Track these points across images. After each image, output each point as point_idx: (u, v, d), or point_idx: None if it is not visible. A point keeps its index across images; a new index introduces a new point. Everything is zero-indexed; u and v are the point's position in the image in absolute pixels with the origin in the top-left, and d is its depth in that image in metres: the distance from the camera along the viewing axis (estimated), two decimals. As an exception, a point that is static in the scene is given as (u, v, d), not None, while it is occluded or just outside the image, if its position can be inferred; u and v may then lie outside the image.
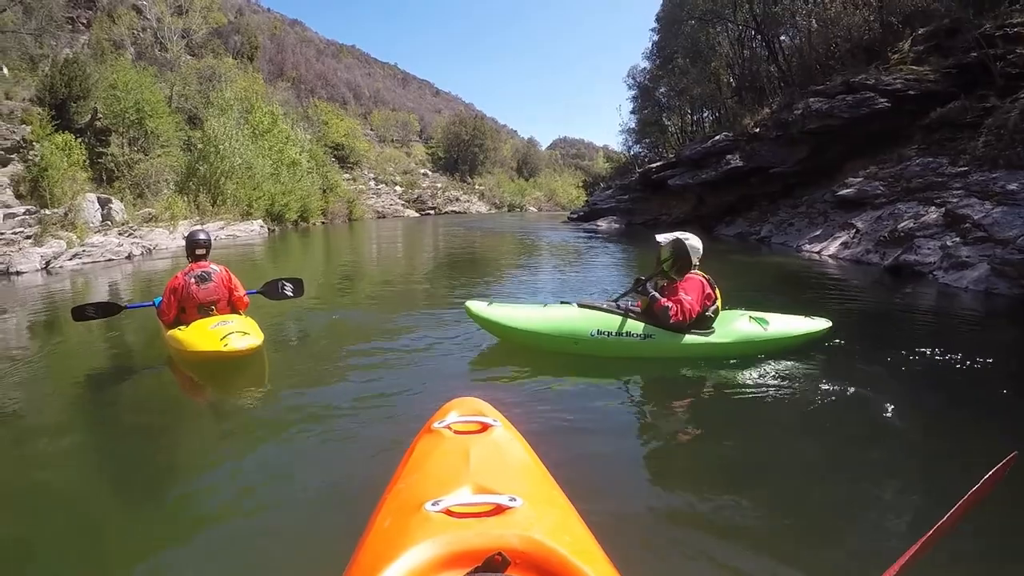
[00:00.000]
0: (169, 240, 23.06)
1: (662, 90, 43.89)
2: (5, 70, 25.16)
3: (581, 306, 6.29)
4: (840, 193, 17.38)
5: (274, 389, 5.85)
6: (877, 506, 3.56)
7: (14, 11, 27.74)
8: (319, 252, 25.05)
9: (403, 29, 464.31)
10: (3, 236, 17.19)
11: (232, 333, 5.97)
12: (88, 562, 3.21)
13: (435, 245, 27.29)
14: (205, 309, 6.49)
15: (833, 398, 5.07)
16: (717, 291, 6.00)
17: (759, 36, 30.27)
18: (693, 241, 6.06)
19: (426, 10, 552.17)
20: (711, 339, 5.92)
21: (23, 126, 22.39)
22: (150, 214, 25.43)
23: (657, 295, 5.89)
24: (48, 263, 17.12)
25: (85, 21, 37.01)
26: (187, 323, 6.38)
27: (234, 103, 36.64)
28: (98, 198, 23.10)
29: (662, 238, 6.20)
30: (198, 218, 27.75)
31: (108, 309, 7.19)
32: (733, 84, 33.84)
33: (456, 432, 2.58)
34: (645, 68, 46.95)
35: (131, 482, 4.09)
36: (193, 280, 6.48)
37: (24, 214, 18.79)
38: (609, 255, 19.66)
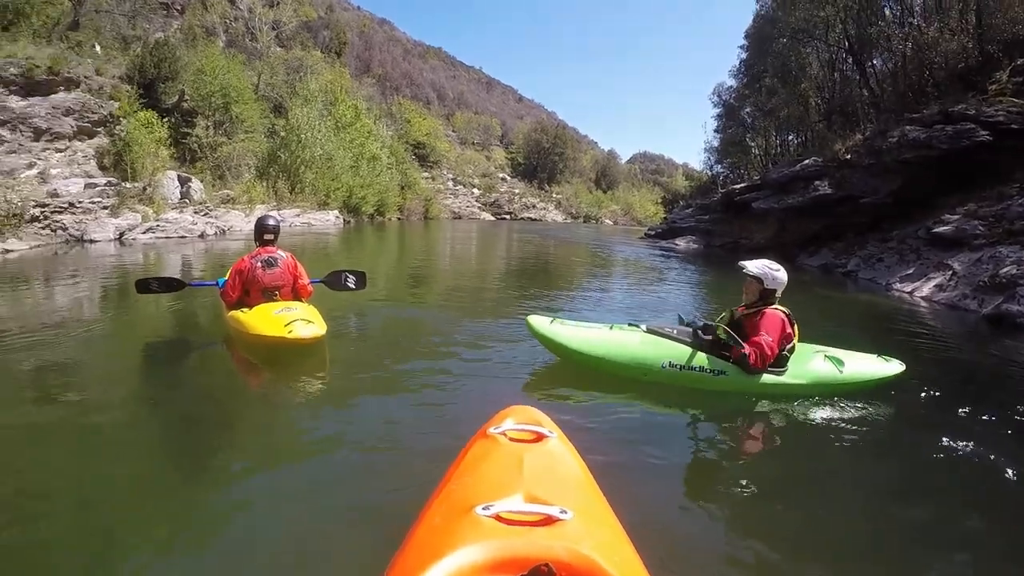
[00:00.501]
0: (244, 222, 23.20)
1: (747, 110, 42.78)
2: (98, 48, 25.60)
3: (649, 331, 5.91)
4: (935, 230, 16.19)
5: (331, 379, 5.92)
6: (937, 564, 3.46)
7: (108, -9, 28.37)
8: (392, 247, 25.14)
9: (490, 35, 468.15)
10: (81, 204, 17.42)
11: (297, 320, 5.99)
12: (131, 530, 3.23)
13: (508, 250, 27.16)
14: (269, 294, 6.54)
15: (903, 447, 4.92)
16: (796, 327, 5.60)
17: (851, 58, 29.21)
18: (781, 274, 5.62)
19: (513, 18, 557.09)
20: (784, 379, 5.59)
21: (111, 102, 22.83)
22: (228, 196, 25.75)
23: (733, 340, 5.45)
24: (122, 234, 17.41)
25: (179, 7, 37.62)
26: (250, 306, 6.45)
27: (319, 95, 36.92)
28: (178, 176, 23.52)
29: (753, 267, 5.67)
30: (275, 203, 28.12)
31: (171, 284, 7.35)
32: (822, 107, 32.64)
33: (511, 439, 2.61)
34: (731, 86, 45.78)
35: (180, 456, 4.20)
36: (259, 264, 6.54)
37: (105, 185, 19.23)
38: (686, 277, 18.79)
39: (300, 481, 3.77)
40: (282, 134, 32.37)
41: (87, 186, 18.81)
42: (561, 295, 12.68)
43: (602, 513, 2.25)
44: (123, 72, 25.19)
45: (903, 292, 15.27)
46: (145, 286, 7.13)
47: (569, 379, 5.89)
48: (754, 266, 5.65)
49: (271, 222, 6.95)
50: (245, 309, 6.39)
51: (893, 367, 5.96)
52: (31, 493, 3.53)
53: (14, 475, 3.72)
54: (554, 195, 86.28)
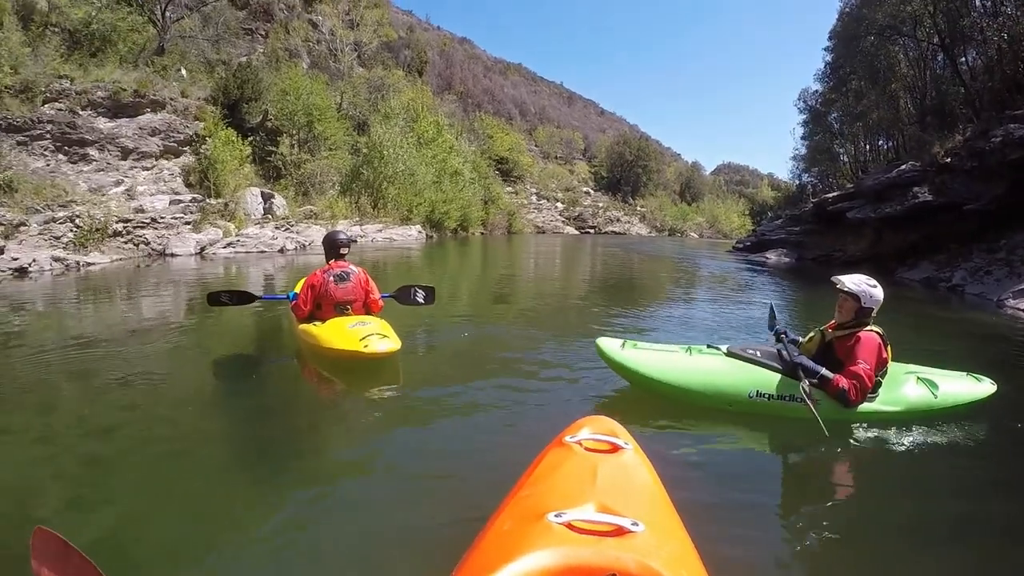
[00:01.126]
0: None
1: (834, 115, 41.23)
2: (183, 71, 26.31)
3: (731, 354, 5.39)
4: (1051, 239, 14.66)
5: (405, 392, 5.85)
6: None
7: (193, 19, 29.44)
8: (474, 262, 24.92)
9: (570, 50, 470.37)
10: (164, 220, 17.77)
11: (372, 335, 5.95)
12: (198, 532, 3.27)
13: (592, 265, 26.55)
14: (341, 308, 6.56)
15: (1002, 475, 4.56)
16: (889, 349, 5.07)
17: (943, 54, 27.74)
18: (879, 292, 5.05)
19: (593, 33, 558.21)
20: (877, 406, 5.07)
21: (196, 122, 23.41)
22: (311, 211, 26.19)
23: (829, 375, 4.92)
24: (203, 248, 17.72)
25: (263, 32, 38.42)
26: (322, 320, 6.47)
27: (400, 111, 37.40)
28: (262, 192, 23.97)
29: (849, 283, 5.08)
30: (358, 219, 28.54)
31: (242, 298, 7.39)
32: (913, 109, 31.15)
33: (587, 449, 2.61)
34: (817, 91, 43.79)
35: (254, 463, 4.27)
36: (332, 279, 6.56)
37: (190, 202, 19.71)
38: (777, 293, 17.40)
39: (374, 485, 3.87)
40: (364, 151, 32.73)
41: (172, 202, 19.42)
42: (642, 312, 12.14)
43: (673, 528, 2.22)
44: (208, 94, 25.85)
45: (1018, 309, 13.75)
46: (216, 299, 7.18)
47: (646, 392, 5.47)
48: (851, 282, 5.09)
49: (342, 236, 6.96)
50: (317, 323, 6.39)
51: (986, 387, 5.48)
52: (103, 490, 3.70)
53: (89, 472, 3.90)
54: (638, 208, 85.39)
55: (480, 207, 45.44)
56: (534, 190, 72.83)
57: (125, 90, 20.40)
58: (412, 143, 35.78)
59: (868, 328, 5.00)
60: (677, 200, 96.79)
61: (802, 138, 46.71)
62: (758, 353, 5.34)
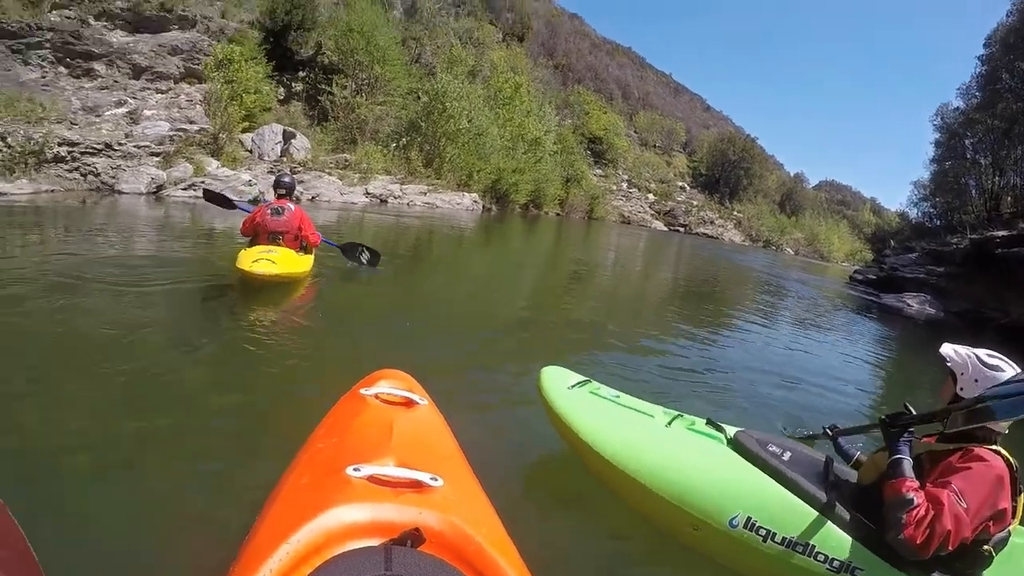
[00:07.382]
0: (336, 193, 19.89)
1: (972, 139, 33.70)
2: (232, -11, 23.41)
3: (736, 445, 3.17)
4: None
5: (272, 321, 5.95)
6: None
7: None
8: (541, 246, 21.58)
9: (683, 43, 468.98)
10: (122, 147, 14.53)
11: (264, 259, 6.49)
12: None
13: (676, 270, 22.22)
14: (274, 237, 7.11)
15: None
16: (1021, 500, 2.47)
17: None
18: (1005, 375, 2.52)
19: (709, 29, 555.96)
20: None
21: (231, 45, 20.72)
22: (346, 160, 23.13)
23: (907, 469, 2.52)
24: (160, 188, 14.09)
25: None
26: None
27: (471, 59, 33.89)
28: (284, 131, 20.75)
29: (953, 352, 2.73)
30: (402, 176, 25.39)
31: (225, 203, 8.23)
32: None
33: (383, 402, 2.60)
34: (958, 108, 36.04)
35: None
36: (270, 212, 7.23)
37: (197, 132, 17.38)
38: (920, 371, 11.18)
39: (163, 426, 3.59)
40: (424, 99, 28.77)
41: (176, 130, 16.54)
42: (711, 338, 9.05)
43: (470, 483, 2.20)
44: (255, 17, 23.66)
45: None
46: (220, 199, 8.18)
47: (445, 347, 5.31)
48: (955, 352, 2.73)
49: (286, 179, 7.66)
50: (247, 248, 6.91)
51: None
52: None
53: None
54: (735, 212, 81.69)
55: (560, 185, 42.00)
56: (626, 177, 69.96)
57: (149, 2, 18.51)
58: (482, 99, 32.04)
59: (988, 447, 2.51)
60: (776, 211, 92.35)
61: (932, 160, 38.39)
62: (787, 454, 3.16)
